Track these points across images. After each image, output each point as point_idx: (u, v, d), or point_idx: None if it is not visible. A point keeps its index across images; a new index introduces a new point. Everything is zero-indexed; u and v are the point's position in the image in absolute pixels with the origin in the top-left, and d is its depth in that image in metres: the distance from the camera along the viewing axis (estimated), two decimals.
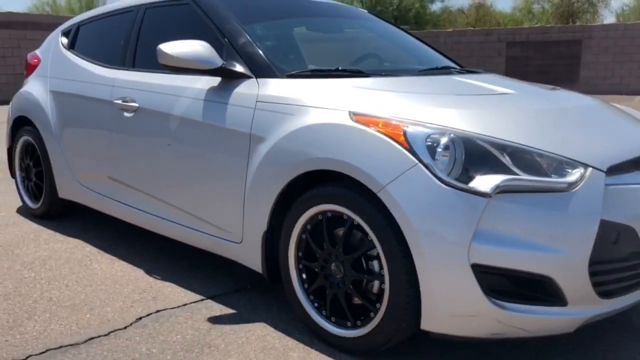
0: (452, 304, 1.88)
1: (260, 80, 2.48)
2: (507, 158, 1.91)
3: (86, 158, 3.41)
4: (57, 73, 3.72)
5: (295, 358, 2.14)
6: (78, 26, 3.84)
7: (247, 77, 2.53)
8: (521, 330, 1.90)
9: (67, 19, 16.79)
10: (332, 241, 2.17)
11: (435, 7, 36.73)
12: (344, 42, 3.33)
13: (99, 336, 2.32)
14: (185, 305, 2.61)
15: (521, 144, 1.95)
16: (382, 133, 2.00)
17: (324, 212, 2.17)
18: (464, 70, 3.12)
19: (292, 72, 2.49)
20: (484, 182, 1.84)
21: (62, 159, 3.60)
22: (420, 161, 1.90)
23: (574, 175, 1.92)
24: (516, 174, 1.87)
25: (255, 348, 2.21)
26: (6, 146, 4.22)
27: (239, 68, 2.55)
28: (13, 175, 4.19)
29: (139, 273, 2.99)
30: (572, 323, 1.93)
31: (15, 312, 2.54)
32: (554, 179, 1.89)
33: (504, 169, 1.88)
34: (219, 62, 2.52)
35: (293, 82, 2.42)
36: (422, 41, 3.64)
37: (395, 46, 3.46)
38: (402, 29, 3.71)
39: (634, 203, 1.99)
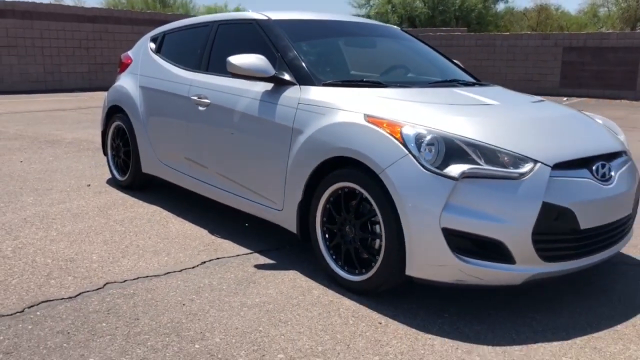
0: (427, 256, 2.60)
1: (303, 87, 3.26)
2: (475, 153, 2.61)
3: (166, 141, 4.28)
4: (146, 72, 4.61)
5: (316, 294, 2.91)
6: (164, 34, 4.72)
7: (292, 84, 3.31)
8: (478, 279, 2.60)
9: (145, 15, 18.10)
10: (347, 210, 2.92)
11: (500, 7, 36.63)
12: (375, 55, 4.05)
13: (174, 272, 3.16)
14: (238, 255, 3.42)
15: (487, 143, 2.64)
16: (385, 131, 2.73)
17: (342, 188, 2.92)
18: (470, 82, 3.79)
19: (327, 81, 3.26)
20: (455, 169, 2.55)
21: (146, 140, 4.49)
22: (410, 152, 2.62)
23: (525, 168, 2.60)
24: (480, 165, 2.57)
25: (288, 286, 2.99)
26: (101, 129, 5.17)
27: (286, 77, 3.33)
28: (105, 153, 5.13)
29: (204, 232, 3.83)
30: (518, 277, 2.61)
31: (113, 253, 3.41)
32: (509, 170, 2.58)
33: (471, 161, 2.58)
34: (272, 71, 3.31)
35: (327, 90, 3.18)
36: (443, 55, 4.30)
37: (418, 60, 4.17)
38: (427, 45, 4.38)
39: (574, 192, 2.65)
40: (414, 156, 2.62)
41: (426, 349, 2.41)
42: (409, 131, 2.68)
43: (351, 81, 3.31)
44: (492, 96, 3.34)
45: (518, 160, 2.62)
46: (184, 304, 2.76)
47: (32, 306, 2.70)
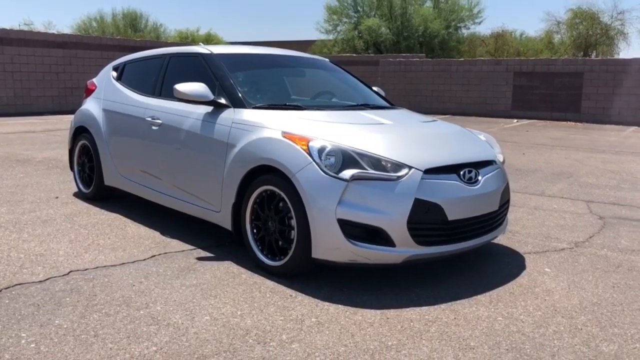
0: (326, 241, 3.31)
1: (236, 109, 3.98)
2: (364, 161, 3.34)
3: (125, 156, 4.94)
4: (108, 97, 5.28)
5: (244, 277, 3.58)
6: (124, 64, 5.41)
7: (228, 107, 4.02)
8: (366, 259, 3.31)
9: (114, 41, 18.69)
10: (269, 208, 3.62)
11: (463, 33, 38.10)
12: (303, 83, 4.80)
13: (128, 262, 3.80)
14: (183, 250, 4.08)
15: (373, 153, 3.38)
16: (296, 144, 3.46)
17: (265, 191, 3.62)
18: (378, 106, 4.57)
19: (256, 105, 3.99)
20: (347, 173, 3.28)
21: (108, 156, 5.14)
22: (314, 160, 3.35)
23: (402, 172, 3.34)
24: (367, 170, 3.30)
25: (222, 272, 3.66)
26: (68, 148, 5.80)
27: (223, 101, 4.04)
28: (72, 169, 5.75)
29: (156, 233, 4.48)
30: (398, 257, 3.33)
31: (77, 250, 4.04)
32: (389, 174, 3.32)
33: (361, 167, 3.31)
34: (211, 96, 4.03)
35: (255, 111, 3.90)
36: (363, 82, 5.07)
37: (340, 87, 4.93)
38: (351, 75, 5.15)
39: (443, 190, 3.40)
40: (316, 163, 3.34)
41: (322, 312, 3.10)
42: (314, 144, 3.41)
43: (276, 105, 4.05)
44: (389, 117, 4.11)
45: (397, 166, 3.36)
46: (133, 285, 3.41)
47: (8, 287, 3.32)
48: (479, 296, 3.39)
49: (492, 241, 4.45)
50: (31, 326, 2.83)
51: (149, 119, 4.61)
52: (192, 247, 4.17)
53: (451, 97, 20.60)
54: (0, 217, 4.87)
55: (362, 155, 3.36)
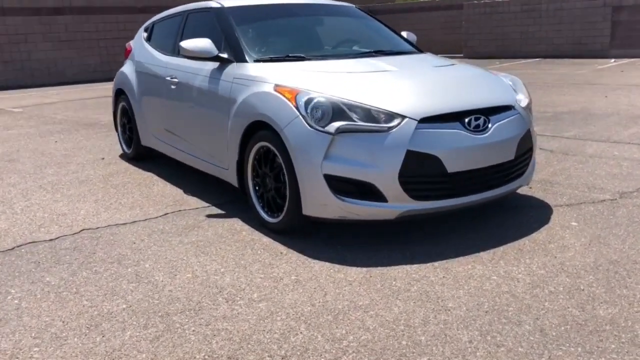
0: (314, 198, 3.18)
1: (238, 64, 3.88)
2: (352, 112, 3.15)
3: (154, 117, 5.02)
4: (140, 58, 5.35)
5: (244, 234, 3.55)
6: (153, 24, 5.44)
7: (231, 62, 3.93)
8: (356, 215, 3.16)
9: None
10: (266, 164, 3.53)
11: None
12: (323, 32, 4.57)
13: (139, 220, 3.88)
14: (197, 208, 4.11)
15: (363, 103, 3.17)
16: (285, 97, 3.32)
17: (262, 147, 3.53)
18: (393, 52, 4.29)
19: (258, 58, 3.86)
20: (333, 126, 3.11)
21: (142, 117, 5.25)
22: (300, 114, 3.20)
23: (394, 122, 3.12)
24: (354, 121, 3.11)
25: (224, 229, 3.65)
26: (112, 110, 5.99)
27: (226, 55, 3.96)
28: (117, 130, 5.95)
29: (179, 191, 4.55)
30: (391, 213, 3.15)
31: (98, 209, 4.18)
32: (379, 124, 3.11)
33: (348, 119, 3.13)
34: (215, 52, 3.95)
35: (256, 65, 3.78)
36: (390, 29, 4.78)
37: (365, 34, 4.67)
38: (378, 20, 4.86)
39: (440, 141, 3.14)
40: (303, 117, 3.19)
41: (305, 269, 3.01)
42: (301, 96, 3.25)
43: (279, 57, 3.90)
44: (399, 64, 3.84)
45: (389, 116, 3.14)
46: (134, 243, 3.48)
47: (20, 245, 3.50)
48: (481, 253, 3.14)
49: (522, 192, 4.13)
50: (23, 283, 2.97)
51: (169, 78, 4.63)
52: (207, 204, 4.19)
53: (541, 38, 19.23)
54: (45, 178, 5.14)
55: (351, 106, 3.17)
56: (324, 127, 3.13)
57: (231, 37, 4.05)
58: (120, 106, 5.74)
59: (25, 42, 15.27)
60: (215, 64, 4.06)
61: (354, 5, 5.02)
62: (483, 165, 3.28)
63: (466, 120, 3.27)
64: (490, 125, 3.33)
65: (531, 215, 3.71)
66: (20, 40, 15.18)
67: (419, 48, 4.64)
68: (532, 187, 4.34)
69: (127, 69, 5.54)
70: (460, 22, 21.38)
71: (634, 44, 17.58)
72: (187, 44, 3.98)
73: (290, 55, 3.91)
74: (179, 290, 2.82)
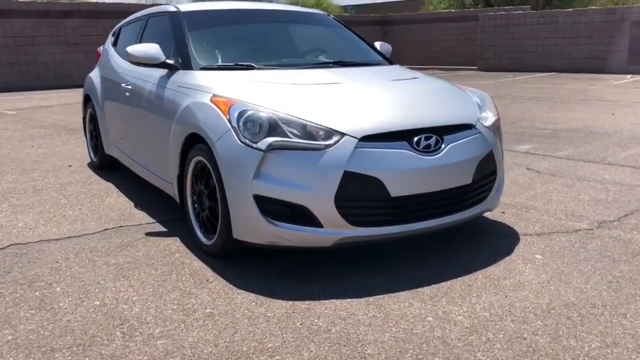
0: (244, 221, 2.89)
1: (184, 71, 3.61)
2: (288, 127, 2.85)
3: (114, 124, 4.78)
4: (104, 63, 5.13)
5: (176, 257, 3.27)
6: (120, 28, 5.22)
7: (177, 68, 3.67)
8: (289, 241, 2.86)
9: None
10: (201, 181, 3.25)
11: None
12: (289, 40, 4.28)
13: (75, 236, 3.62)
14: (140, 224, 3.85)
15: (300, 118, 2.88)
16: (220, 109, 3.04)
17: (199, 162, 3.25)
18: (359, 63, 3.99)
19: (205, 66, 3.59)
20: (265, 142, 2.81)
21: (104, 125, 5.01)
22: (232, 127, 2.91)
23: (332, 139, 2.82)
24: (288, 138, 2.82)
25: (158, 249, 3.37)
26: (82, 115, 5.78)
27: (173, 62, 3.69)
28: (86, 137, 5.73)
29: (129, 205, 4.29)
30: (328, 240, 2.84)
31: (38, 221, 3.94)
32: (315, 142, 2.81)
33: (283, 134, 2.83)
34: (162, 58, 3.69)
35: (200, 73, 3.51)
36: (362, 39, 4.48)
37: (333, 43, 4.38)
38: (351, 30, 4.56)
39: (384, 161, 2.83)
40: (234, 131, 2.90)
41: (225, 301, 2.71)
42: (235, 108, 2.97)
43: (226, 65, 3.62)
44: (354, 76, 3.56)
45: (327, 133, 2.84)
46: (57, 262, 3.22)
47: None
48: (425, 288, 2.82)
49: (492, 217, 3.79)
50: None
51: (124, 84, 4.39)
52: (153, 220, 3.93)
53: (557, 52, 18.75)
54: (0, 185, 4.92)
55: (287, 121, 2.88)
56: (256, 142, 2.84)
57: (180, 42, 3.79)
58: (88, 112, 5.52)
59: (33, 45, 15.26)
60: (164, 71, 3.80)
61: (326, 13, 4.74)
62: (433, 189, 2.97)
63: (415, 139, 2.95)
64: (443, 146, 3.01)
65: (493, 245, 3.37)
66: (28, 43, 15.17)
67: (389, 60, 4.34)
68: (505, 212, 4.00)
69: (94, 74, 5.33)
70: (476, 34, 20.96)
71: None
72: (133, 49, 3.74)
73: (239, 63, 3.64)
74: (78, 321, 2.54)
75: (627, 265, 3.05)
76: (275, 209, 2.85)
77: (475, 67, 20.66)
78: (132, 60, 3.77)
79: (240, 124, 2.90)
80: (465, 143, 3.10)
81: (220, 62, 3.69)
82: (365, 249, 3.26)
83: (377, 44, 4.56)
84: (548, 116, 8.71)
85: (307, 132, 2.85)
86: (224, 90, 3.20)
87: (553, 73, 18.21)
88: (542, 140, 6.75)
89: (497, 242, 3.43)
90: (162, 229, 3.76)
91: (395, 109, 3.12)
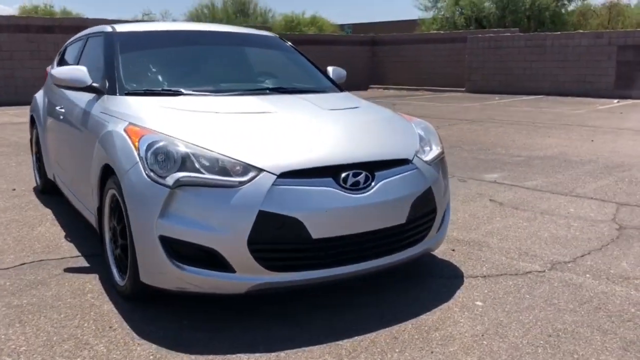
0: (150, 263, 2.63)
1: (107, 96, 3.38)
2: (199, 162, 2.61)
3: (51, 147, 4.53)
4: (48, 84, 4.89)
5: (88, 298, 3.00)
6: (65, 47, 4.99)
7: (103, 93, 3.43)
8: (198, 287, 2.60)
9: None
10: (115, 216, 3.00)
11: (576, 4, 34.76)
12: (220, 65, 4.04)
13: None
14: (63, 258, 3.58)
15: (215, 151, 2.63)
16: (130, 139, 2.79)
17: (113, 195, 3.00)
18: (301, 90, 3.75)
19: (130, 91, 3.36)
20: (173, 177, 2.57)
21: (45, 147, 4.76)
22: (141, 159, 2.67)
23: (247, 176, 2.57)
24: (199, 173, 2.57)
25: (71, 289, 3.10)
26: (29, 137, 5.53)
27: (99, 86, 3.46)
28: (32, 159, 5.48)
29: (60, 235, 4.03)
30: (241, 286, 2.59)
31: (4, 243, 3.68)
32: (228, 178, 2.56)
33: (193, 169, 2.59)
34: (87, 81, 3.45)
35: (122, 99, 3.28)
36: (312, 63, 4.25)
37: (279, 67, 4.16)
38: (301, 54, 4.34)
39: (304, 200, 2.59)
40: (142, 164, 2.66)
41: (121, 353, 2.44)
42: (145, 139, 2.73)
43: (154, 90, 3.38)
44: (285, 105, 3.33)
45: (242, 168, 2.60)
46: None
47: None
48: (344, 341, 2.56)
49: (440, 256, 3.54)
50: None
51: (58, 107, 4.15)
52: (78, 254, 3.66)
53: (545, 75, 18.67)
54: None
55: (200, 154, 2.63)
56: (164, 177, 2.59)
57: (109, 65, 3.56)
58: (34, 133, 5.28)
59: (11, 59, 15.05)
60: (92, 95, 3.56)
61: (277, 36, 4.52)
62: (361, 230, 2.72)
63: (342, 176, 2.71)
64: (373, 183, 2.77)
65: (432, 289, 3.12)
66: (5, 57, 14.96)
67: (338, 86, 4.11)
68: (456, 249, 3.76)
69: (39, 94, 5.10)
70: (464, 56, 20.88)
71: (639, 85, 16.93)
72: (58, 71, 3.50)
73: (166, 89, 3.40)
74: None
75: (572, 316, 2.80)
76: (183, 252, 2.59)
77: (464, 89, 20.55)
78: (56, 84, 3.53)
79: (149, 156, 2.65)
80: (399, 180, 2.87)
81: (146, 87, 3.44)
82: (289, 294, 2.99)
83: (330, 69, 4.33)
84: (525, 142, 8.51)
85: (220, 167, 2.61)
86: (141, 119, 2.96)
87: (540, 96, 18.10)
88: (513, 168, 6.52)
89: (438, 285, 3.18)
90: (85, 264, 3.50)
91: (322, 142, 2.88)
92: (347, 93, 3.99)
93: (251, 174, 2.58)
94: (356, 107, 3.51)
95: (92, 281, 3.21)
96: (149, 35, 3.96)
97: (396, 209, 2.82)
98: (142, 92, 3.37)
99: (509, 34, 20.20)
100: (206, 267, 2.58)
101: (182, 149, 2.65)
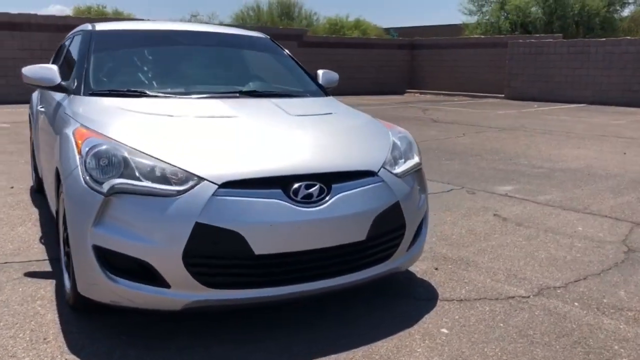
0: (84, 274, 2.49)
1: (72, 96, 3.27)
2: (139, 168, 2.45)
3: (38, 146, 4.48)
4: None
5: (37, 305, 2.89)
6: (60, 46, 4.94)
7: (69, 92, 3.32)
8: (130, 301, 2.44)
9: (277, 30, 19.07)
10: (64, 222, 2.87)
11: (629, 10, 33.49)
12: (197, 66, 3.88)
13: None
14: (30, 261, 3.49)
15: (156, 157, 2.47)
16: (76, 142, 2.66)
17: (63, 199, 2.88)
18: (277, 94, 3.57)
19: (95, 91, 3.24)
20: (109, 184, 2.42)
21: (36, 146, 4.72)
22: (80, 163, 2.53)
23: (186, 185, 2.40)
24: (135, 180, 2.42)
25: (23, 295, 3.00)
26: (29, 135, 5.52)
27: (67, 85, 3.35)
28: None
29: (35, 237, 3.96)
30: (176, 303, 2.42)
31: None
32: (165, 187, 2.40)
33: (131, 176, 2.43)
34: (56, 80, 3.35)
35: (84, 99, 3.16)
36: (300, 66, 4.06)
37: (249, 70, 3.99)
38: (291, 57, 4.15)
39: (247, 213, 2.40)
40: (81, 168, 2.52)
41: None
42: (88, 143, 2.59)
43: (118, 91, 3.25)
44: (248, 109, 3.16)
45: (184, 176, 2.43)
46: None
47: None
48: None
49: (421, 274, 3.30)
50: None
51: (40, 106, 4.09)
52: (46, 258, 3.57)
53: (588, 83, 17.94)
54: None
55: (140, 160, 2.48)
56: (101, 184, 2.44)
57: (80, 64, 3.46)
58: (31, 132, 5.25)
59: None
60: (62, 95, 3.46)
61: (267, 37, 4.34)
62: (312, 247, 2.52)
63: (294, 187, 2.51)
64: (329, 196, 2.56)
65: (399, 312, 2.88)
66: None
67: (325, 90, 3.90)
68: (440, 267, 3.50)
69: (35, 93, 5.06)
70: (505, 61, 20.29)
71: None
72: (27, 70, 3.41)
73: (131, 90, 3.26)
74: None
75: (544, 350, 2.52)
76: (116, 264, 2.44)
77: (503, 95, 19.97)
78: (27, 82, 3.44)
79: (89, 160, 2.51)
80: (359, 193, 2.64)
81: (112, 88, 3.31)
82: (233, 311, 2.81)
83: (320, 72, 4.12)
84: (552, 153, 8.09)
85: (161, 174, 2.44)
86: (93, 121, 2.83)
87: (582, 105, 17.40)
88: (530, 180, 6.17)
89: (407, 307, 2.94)
90: (48, 268, 3.40)
91: (276, 150, 2.68)
92: (331, 98, 3.79)
93: (191, 183, 2.41)
94: (329, 114, 3.30)
95: (48, 287, 3.11)
96: (127, 35, 3.85)
97: (354, 224, 2.60)
98: (107, 92, 3.24)
99: (551, 40, 19.50)
100: (140, 281, 2.42)
101: (123, 154, 2.50)
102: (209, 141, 2.68)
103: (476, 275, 3.39)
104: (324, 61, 21.44)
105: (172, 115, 2.92)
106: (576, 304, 3.02)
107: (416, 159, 3.04)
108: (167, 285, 2.40)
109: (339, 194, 2.59)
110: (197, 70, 3.79)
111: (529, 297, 3.10)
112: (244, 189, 2.45)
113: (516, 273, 3.44)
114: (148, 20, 13.30)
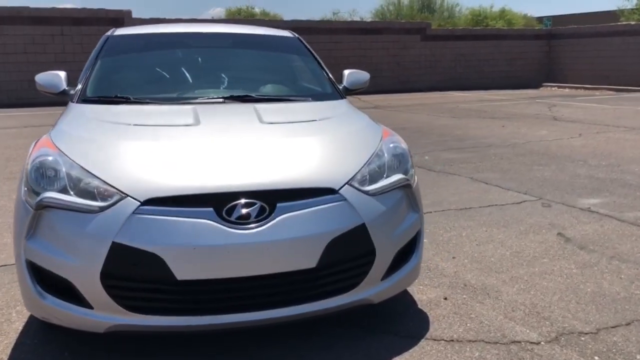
0: (22, 288, 2.44)
1: (69, 103, 3.26)
2: (72, 181, 2.34)
3: None
4: None
5: (4, 312, 2.92)
6: None
7: (70, 99, 3.33)
8: (57, 319, 2.35)
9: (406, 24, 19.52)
10: None
11: None
12: (204, 69, 3.69)
13: None
14: (7, 265, 3.52)
15: (89, 171, 2.35)
16: (31, 151, 2.62)
17: None
18: (273, 98, 3.31)
19: (86, 98, 3.21)
20: (40, 197, 2.34)
21: None
22: (24, 174, 2.48)
23: (109, 201, 2.25)
24: (68, 194, 2.31)
25: (2, 300, 3.05)
26: None
27: (70, 92, 3.35)
28: None
29: None
30: (99, 325, 2.28)
31: None
32: (89, 202, 2.27)
33: (64, 190, 2.33)
34: (61, 87, 3.38)
35: (74, 107, 3.14)
36: (322, 68, 3.75)
37: (259, 73, 3.74)
38: (316, 59, 3.85)
39: (170, 234, 2.19)
40: (24, 179, 2.47)
41: None
42: (37, 154, 2.54)
43: (107, 98, 3.19)
44: (219, 117, 2.95)
45: (108, 192, 2.28)
46: None
47: None
48: None
49: (422, 306, 2.90)
50: None
51: None
52: None
53: None
54: None
55: (72, 174, 2.37)
56: (37, 196, 2.37)
57: (86, 70, 3.46)
58: None
59: None
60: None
61: (294, 36, 4.05)
62: (247, 273, 2.25)
63: (228, 206, 2.26)
64: (271, 217, 2.27)
65: (369, 352, 2.50)
66: None
67: (340, 93, 3.55)
68: (450, 297, 3.04)
69: None
70: None
71: None
72: (40, 76, 3.48)
73: (117, 96, 3.18)
74: None
75: None
76: (45, 280, 2.36)
77: None
78: (39, 89, 3.51)
79: (31, 171, 2.46)
80: (310, 214, 2.32)
81: (102, 94, 3.25)
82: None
83: (346, 73, 3.78)
84: None
85: (89, 189, 2.32)
86: (60, 130, 2.78)
87: None
88: (628, 193, 5.28)
89: (377, 345, 2.55)
90: None
91: (217, 164, 2.43)
92: (342, 101, 3.43)
93: (114, 199, 2.26)
94: (315, 120, 2.97)
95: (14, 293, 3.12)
96: (140, 39, 3.80)
97: (302, 250, 2.29)
98: (96, 99, 3.20)
99: None
100: (67, 300, 2.31)
101: (61, 167, 2.41)
102: (152, 153, 2.50)
103: (489, 310, 2.88)
104: (448, 55, 20.58)
105: (133, 124, 2.78)
106: (596, 357, 2.43)
107: (401, 175, 2.63)
108: (90, 306, 2.27)
109: (283, 214, 2.29)
110: (198, 75, 3.63)
111: (538, 343, 2.56)
112: (171, 207, 2.24)
113: (541, 310, 2.88)
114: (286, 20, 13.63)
